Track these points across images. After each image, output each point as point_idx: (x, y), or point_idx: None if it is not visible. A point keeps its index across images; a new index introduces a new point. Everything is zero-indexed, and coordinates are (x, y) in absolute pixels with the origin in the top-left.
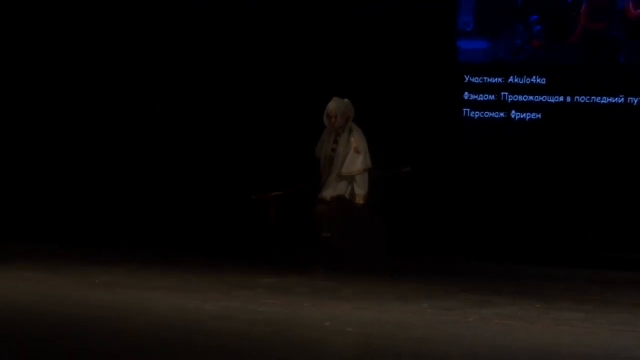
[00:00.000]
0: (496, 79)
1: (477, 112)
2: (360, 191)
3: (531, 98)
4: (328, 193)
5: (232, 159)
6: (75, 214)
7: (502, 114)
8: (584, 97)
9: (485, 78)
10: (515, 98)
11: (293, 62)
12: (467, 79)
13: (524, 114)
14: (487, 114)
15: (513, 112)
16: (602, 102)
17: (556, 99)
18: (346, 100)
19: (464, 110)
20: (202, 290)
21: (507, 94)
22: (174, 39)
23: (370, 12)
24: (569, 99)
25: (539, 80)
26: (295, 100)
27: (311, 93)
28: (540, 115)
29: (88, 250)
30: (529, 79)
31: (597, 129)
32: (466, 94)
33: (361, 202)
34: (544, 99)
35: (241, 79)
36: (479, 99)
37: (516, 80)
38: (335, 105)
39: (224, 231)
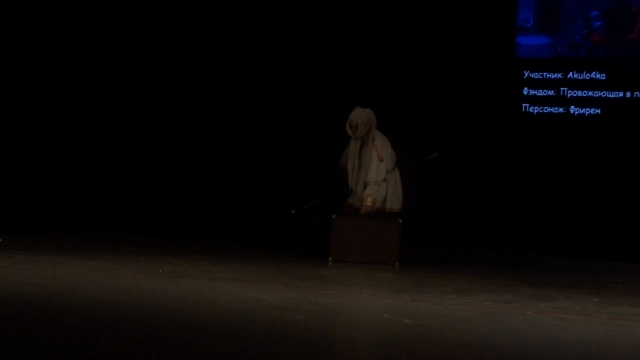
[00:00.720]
0: (555, 75)
1: (536, 107)
2: (369, 192)
3: (590, 93)
4: (353, 200)
5: (266, 162)
6: (133, 205)
7: (561, 109)
8: None
9: (545, 73)
10: (575, 93)
11: (341, 67)
12: (526, 75)
13: (583, 109)
14: (546, 109)
15: (572, 107)
16: None
17: (615, 94)
18: (368, 109)
19: (523, 105)
20: (263, 280)
21: (566, 89)
22: (199, 46)
23: (431, 8)
24: (628, 94)
25: (598, 76)
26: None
27: (372, 94)
28: (599, 111)
29: (149, 240)
30: (588, 74)
31: None
32: (525, 89)
33: (369, 204)
34: (604, 94)
35: (273, 88)
36: (538, 94)
37: (575, 76)
38: (356, 115)
39: (277, 227)
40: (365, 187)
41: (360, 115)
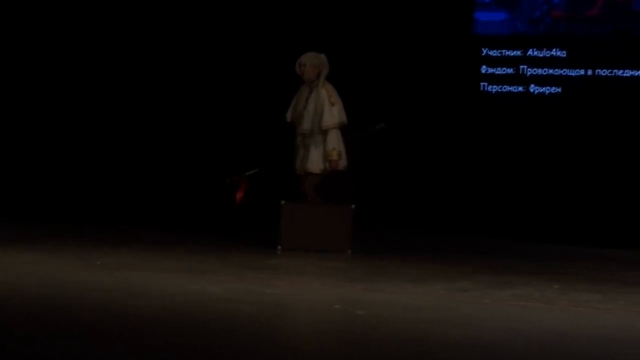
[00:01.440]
0: (514, 52)
1: (494, 86)
2: (332, 145)
3: (551, 71)
4: (301, 166)
5: (211, 137)
6: (75, 194)
7: (520, 88)
8: (605, 70)
9: (504, 51)
10: (534, 71)
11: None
12: (484, 52)
13: (543, 88)
14: (505, 88)
15: (532, 85)
16: (624, 75)
17: (576, 72)
18: (322, 55)
19: (481, 84)
20: (207, 271)
21: (525, 67)
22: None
23: None
24: (589, 72)
25: (558, 53)
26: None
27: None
28: (560, 89)
29: (88, 230)
30: (548, 51)
31: (618, 103)
32: (483, 67)
33: (335, 158)
34: (564, 72)
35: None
36: (497, 73)
37: (535, 53)
38: (307, 56)
39: (221, 212)
40: (323, 134)
41: (312, 58)
